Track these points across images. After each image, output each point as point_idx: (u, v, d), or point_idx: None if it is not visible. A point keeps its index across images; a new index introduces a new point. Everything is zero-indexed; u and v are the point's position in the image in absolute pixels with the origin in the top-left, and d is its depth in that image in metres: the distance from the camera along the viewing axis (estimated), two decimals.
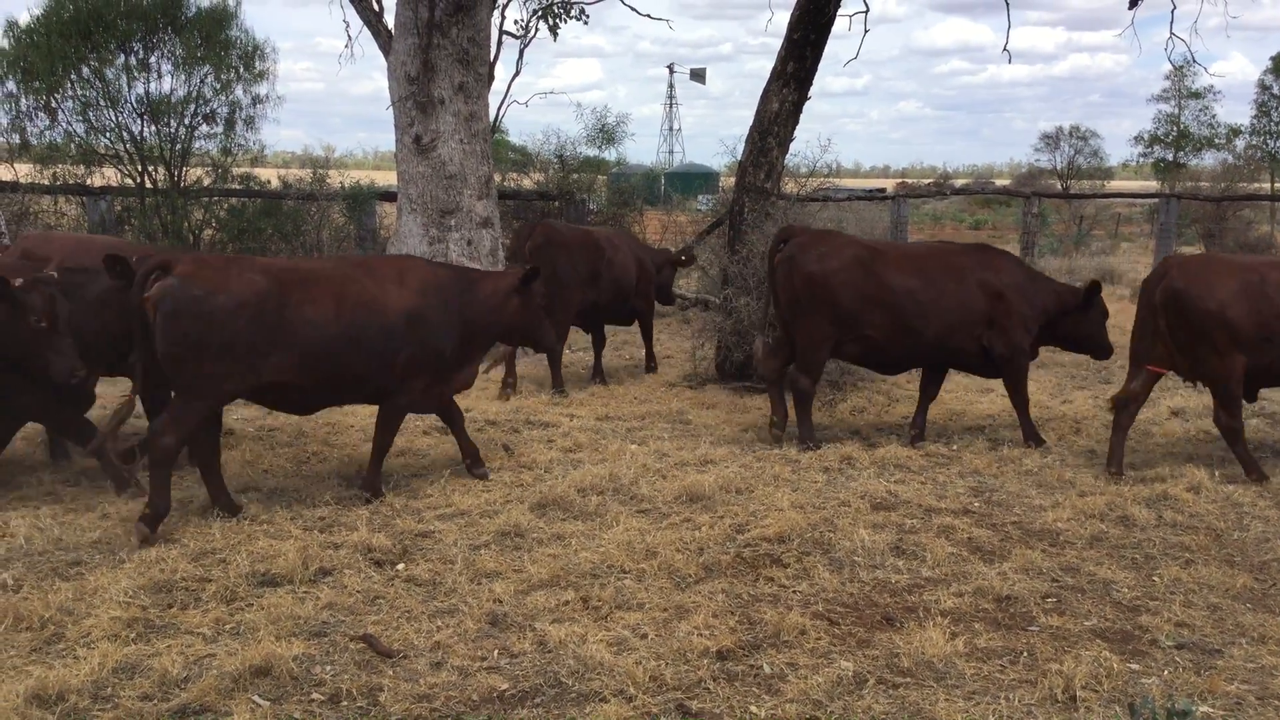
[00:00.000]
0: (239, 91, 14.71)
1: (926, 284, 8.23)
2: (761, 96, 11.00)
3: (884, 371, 8.97)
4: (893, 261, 8.30)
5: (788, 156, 11.53)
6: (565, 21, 15.23)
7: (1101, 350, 8.92)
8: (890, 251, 8.50)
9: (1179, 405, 9.81)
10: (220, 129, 14.76)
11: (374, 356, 6.71)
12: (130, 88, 14.09)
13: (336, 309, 6.55)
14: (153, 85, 14.19)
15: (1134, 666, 4.68)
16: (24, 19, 14.03)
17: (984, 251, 8.77)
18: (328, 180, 16.14)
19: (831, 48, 11.40)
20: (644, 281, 11.54)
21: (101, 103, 13.99)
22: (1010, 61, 13.69)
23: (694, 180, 47.99)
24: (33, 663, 4.55)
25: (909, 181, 56.62)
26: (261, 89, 14.90)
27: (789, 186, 12.61)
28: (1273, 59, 42.57)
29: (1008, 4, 12.40)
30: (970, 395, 10.36)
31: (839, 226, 13.46)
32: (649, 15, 16.49)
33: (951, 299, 8.24)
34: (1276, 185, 40.58)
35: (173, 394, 6.36)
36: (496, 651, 4.74)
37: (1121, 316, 10.46)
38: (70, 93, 13.85)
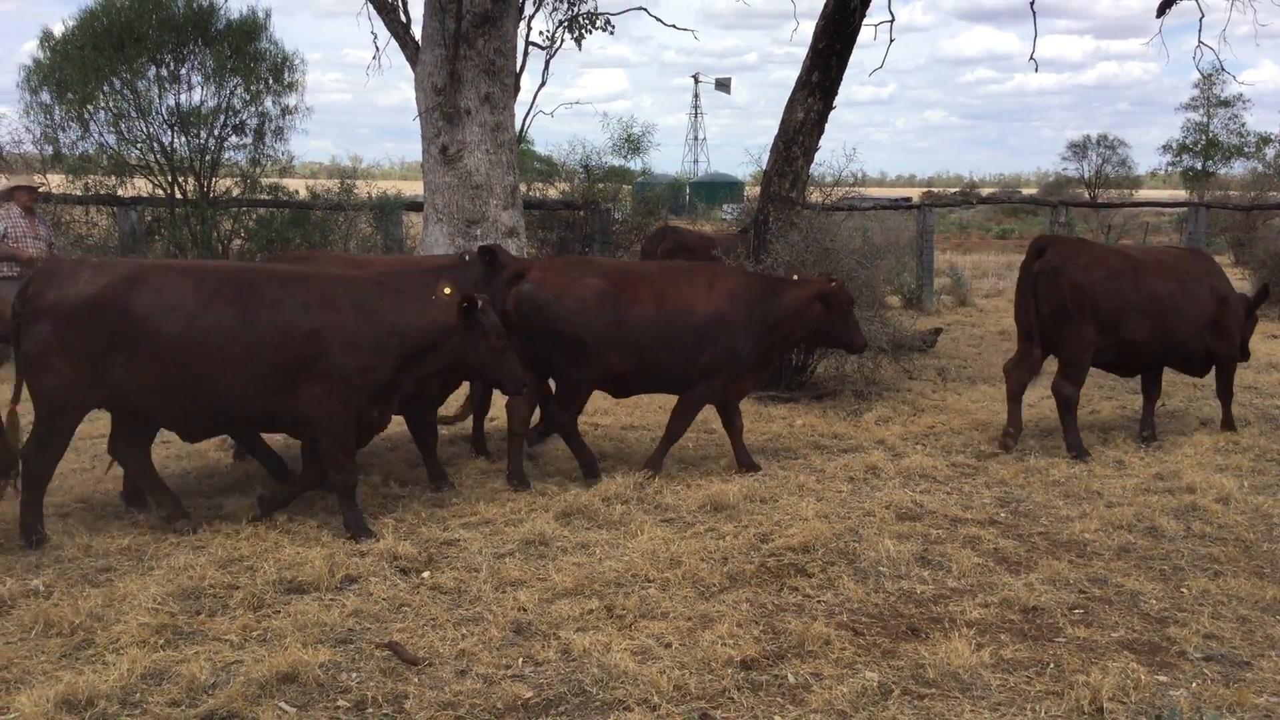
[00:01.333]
0: (268, 103, 14.81)
1: (1179, 289, 8.60)
2: (786, 106, 11.01)
3: (1124, 375, 9.45)
4: (1148, 268, 8.59)
5: (813, 166, 11.53)
6: (590, 32, 15.23)
7: (1245, 354, 9.26)
8: (1145, 258, 8.78)
9: (1207, 416, 9.72)
10: (249, 140, 14.85)
11: (681, 352, 7.55)
12: (161, 99, 14.21)
13: (656, 308, 7.45)
14: (183, 97, 14.32)
15: (1162, 678, 4.64)
16: (58, 30, 14.21)
17: (1207, 258, 9.28)
18: (355, 191, 16.23)
19: (857, 57, 11.43)
20: None
21: (133, 114, 14.12)
22: (1037, 70, 13.61)
23: (719, 190, 48.07)
24: (63, 668, 4.60)
25: (935, 191, 56.44)
26: (290, 100, 15.00)
27: (814, 196, 12.61)
28: None
29: (1034, 12, 12.36)
30: (996, 406, 10.29)
31: (864, 236, 13.46)
32: (674, 25, 16.55)
33: (1194, 304, 8.63)
34: None
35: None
36: (521, 660, 4.75)
37: None
38: (102, 104, 13.98)
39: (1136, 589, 5.66)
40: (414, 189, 16.47)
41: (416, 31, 12.42)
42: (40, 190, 10.96)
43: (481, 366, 6.70)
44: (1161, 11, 12.11)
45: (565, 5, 15.37)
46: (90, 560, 5.90)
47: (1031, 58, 13.10)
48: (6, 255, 9.75)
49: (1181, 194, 44.78)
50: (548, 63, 16.31)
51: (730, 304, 7.65)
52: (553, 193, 19.10)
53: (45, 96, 13.88)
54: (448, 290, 6.52)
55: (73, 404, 6.14)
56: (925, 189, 66.73)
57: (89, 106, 13.89)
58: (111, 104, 13.99)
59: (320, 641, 4.86)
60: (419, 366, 6.53)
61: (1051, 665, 4.74)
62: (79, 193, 14.20)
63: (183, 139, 14.37)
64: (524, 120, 19.19)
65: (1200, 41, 12.89)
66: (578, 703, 4.39)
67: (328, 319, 6.20)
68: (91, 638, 4.90)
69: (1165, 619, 5.30)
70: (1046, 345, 8.61)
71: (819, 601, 5.47)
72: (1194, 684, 4.60)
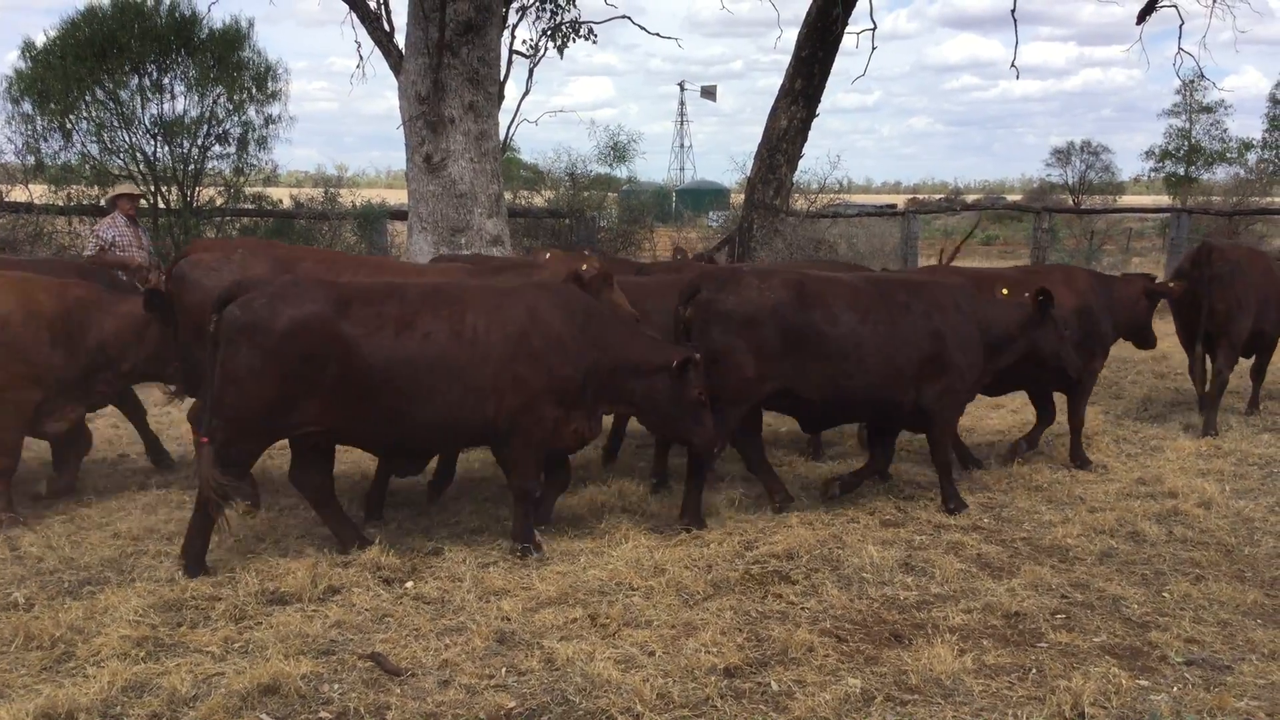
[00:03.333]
0: (251, 112, 14.85)
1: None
2: (770, 114, 11.06)
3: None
4: (1271, 269, 9.90)
5: (798, 173, 11.59)
6: (573, 41, 15.26)
7: None
8: (1267, 258, 10.08)
9: (1190, 421, 9.77)
10: (233, 149, 14.89)
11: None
12: (144, 109, 14.24)
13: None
14: (166, 106, 14.37)
15: (1143, 683, 4.66)
16: (39, 40, 14.18)
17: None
18: (339, 199, 16.23)
19: (841, 64, 11.52)
20: None
21: (115, 124, 14.13)
22: (1018, 78, 13.69)
23: (705, 197, 48.09)
24: (43, 681, 4.58)
25: (920, 197, 56.63)
26: (274, 109, 15.05)
27: (799, 203, 12.67)
28: None
29: (1015, 20, 12.43)
30: (980, 411, 10.32)
31: (849, 243, 13.51)
32: (659, 34, 16.58)
33: None
34: None
35: None
36: (504, 669, 4.74)
37: None
38: (85, 114, 13.97)
39: (1118, 594, 5.69)
40: (399, 197, 16.48)
41: (400, 40, 12.44)
42: (140, 199, 11.08)
43: (1051, 356, 7.40)
44: (1142, 18, 12.21)
45: (548, 14, 15.39)
46: (72, 573, 5.87)
47: (1013, 65, 13.18)
48: (116, 263, 9.81)
49: (1165, 200, 44.91)
50: (532, 71, 16.32)
51: (1086, 299, 8.26)
52: (538, 201, 19.12)
53: (27, 106, 13.88)
54: (1005, 290, 7.42)
55: (746, 396, 6.80)
56: (911, 196, 66.94)
57: (71, 116, 13.89)
58: (94, 114, 14.00)
59: (302, 653, 4.84)
60: (1001, 357, 7.31)
61: (1033, 670, 4.76)
62: (61, 203, 14.14)
63: (166, 148, 14.37)
64: (508, 128, 19.21)
65: (1180, 48, 13.00)
66: (561, 712, 4.39)
67: (948, 320, 6.98)
68: (72, 650, 4.87)
69: (1147, 624, 5.32)
70: (1211, 343, 9.38)
71: (802, 608, 5.47)
72: (1175, 688, 4.61)
